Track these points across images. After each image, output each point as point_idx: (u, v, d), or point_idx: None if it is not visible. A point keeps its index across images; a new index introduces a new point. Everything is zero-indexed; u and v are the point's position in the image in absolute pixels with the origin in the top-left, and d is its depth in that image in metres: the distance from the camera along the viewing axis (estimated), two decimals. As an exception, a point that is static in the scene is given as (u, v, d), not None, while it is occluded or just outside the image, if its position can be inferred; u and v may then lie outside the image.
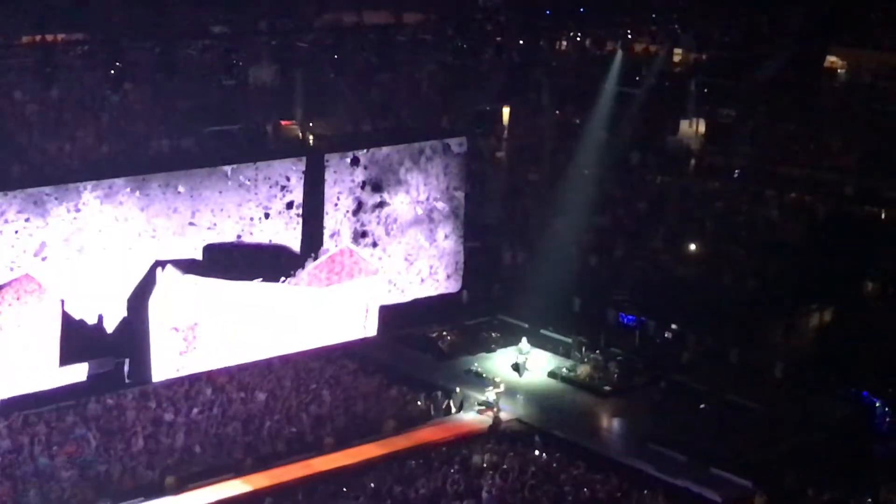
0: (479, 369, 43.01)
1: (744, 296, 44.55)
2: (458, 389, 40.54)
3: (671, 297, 44.92)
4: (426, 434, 38.47)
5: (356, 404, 39.50)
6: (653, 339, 44.74)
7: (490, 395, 39.67)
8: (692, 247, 47.10)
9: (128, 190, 37.39)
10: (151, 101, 46.62)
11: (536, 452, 36.91)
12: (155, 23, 47.84)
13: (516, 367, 42.70)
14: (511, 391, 41.15)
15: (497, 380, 40.31)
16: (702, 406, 39.90)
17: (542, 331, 45.19)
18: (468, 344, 45.24)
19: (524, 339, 43.35)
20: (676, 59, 50.38)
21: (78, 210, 36.65)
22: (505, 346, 45.03)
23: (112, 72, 43.90)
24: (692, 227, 46.99)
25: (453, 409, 39.84)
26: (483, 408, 39.62)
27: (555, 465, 36.09)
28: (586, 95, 48.04)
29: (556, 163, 48.57)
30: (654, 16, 47.46)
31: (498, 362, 43.94)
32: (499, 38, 47.77)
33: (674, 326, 44.43)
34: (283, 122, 50.49)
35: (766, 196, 46.40)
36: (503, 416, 39.25)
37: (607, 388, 42.00)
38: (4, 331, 34.81)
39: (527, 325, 45.54)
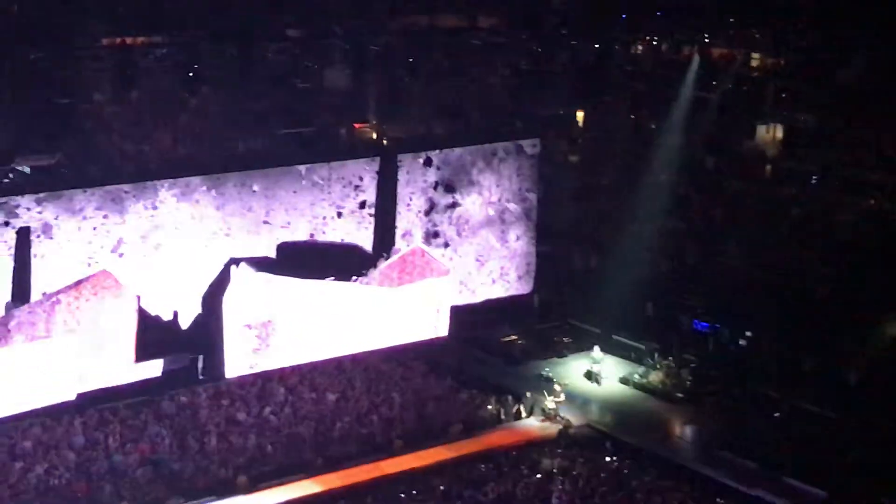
0: (550, 374, 42.85)
1: (819, 303, 43.91)
2: (528, 394, 40.45)
3: (746, 304, 44.36)
4: (496, 438, 38.40)
5: (426, 407, 39.51)
6: (726, 346, 44.27)
7: (549, 403, 39.46)
8: (767, 253, 46.54)
9: (204, 188, 37.90)
10: (227, 104, 47.02)
11: (607, 458, 36.72)
12: (231, 26, 48.21)
13: (590, 376, 42.45)
14: (581, 396, 41.02)
15: (557, 388, 40.02)
16: (776, 414, 39.44)
17: (614, 336, 44.89)
18: (539, 348, 45.12)
19: (597, 348, 43.10)
20: (754, 63, 49.82)
21: (155, 207, 37.19)
22: (576, 351, 44.87)
23: (189, 74, 44.42)
24: (768, 232, 46.39)
25: (523, 414, 39.72)
26: (543, 417, 39.43)
27: (626, 471, 35.87)
28: (662, 99, 47.64)
29: (631, 167, 48.21)
30: (731, 20, 47.06)
31: (569, 367, 43.76)
32: (573, 42, 47.70)
33: (748, 333, 43.93)
34: (356, 125, 50.69)
35: (843, 202, 45.66)
36: (571, 420, 39.06)
37: (680, 394, 41.68)
38: (82, 326, 35.31)
39: (598, 331, 45.33)
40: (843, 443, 37.22)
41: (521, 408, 39.79)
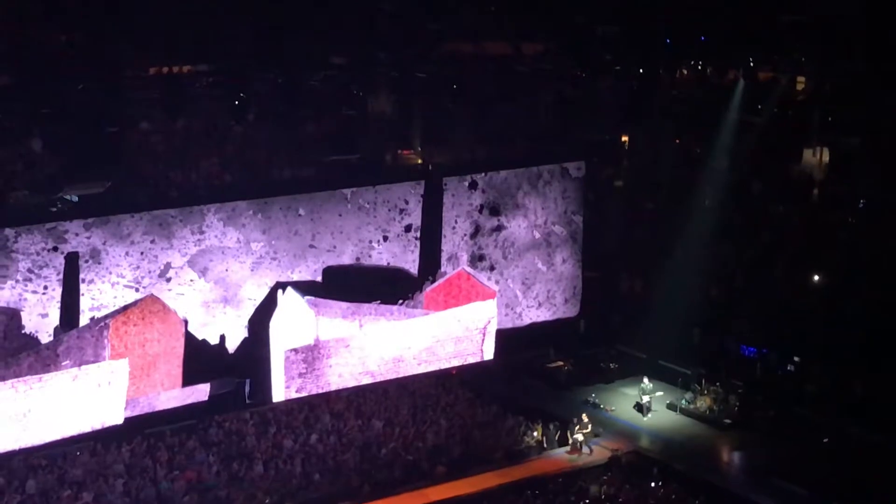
0: (597, 400, 42.62)
1: (867, 328, 43.47)
2: (574, 420, 40.19)
3: (793, 329, 44.01)
4: (542, 464, 38.21)
5: (472, 433, 39.38)
6: (774, 371, 43.87)
7: (577, 434, 39.08)
8: (815, 277, 46.18)
9: (250, 212, 38.15)
10: (273, 131, 47.35)
11: (654, 485, 36.42)
12: (277, 54, 48.57)
13: (640, 408, 42.09)
14: (628, 423, 40.77)
15: (585, 420, 39.60)
16: (825, 440, 38.99)
17: (661, 361, 44.60)
18: (585, 374, 44.89)
19: (646, 379, 42.61)
20: (799, 86, 49.59)
21: (202, 232, 37.45)
22: (623, 376, 44.59)
23: (236, 102, 44.74)
24: (815, 257, 46.06)
25: (570, 440, 39.47)
26: (570, 448, 39.04)
27: (673, 497, 35.54)
28: (707, 124, 47.50)
29: (676, 191, 48.06)
30: (776, 43, 46.83)
31: (616, 393, 43.50)
32: (618, 67, 47.63)
33: (796, 358, 43.54)
34: (401, 151, 50.87)
35: (891, 226, 45.24)
36: (619, 447, 38.83)
37: (727, 420, 41.31)
38: (130, 351, 35.52)
39: (645, 356, 45.05)
40: (894, 468, 36.78)
41: (568, 434, 39.55)
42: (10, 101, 43.70)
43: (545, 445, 39.29)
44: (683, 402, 42.40)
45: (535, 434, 39.57)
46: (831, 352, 42.63)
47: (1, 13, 43.26)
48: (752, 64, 47.04)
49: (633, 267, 48.79)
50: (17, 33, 43.55)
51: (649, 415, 41.73)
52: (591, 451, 38.77)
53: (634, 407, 42.11)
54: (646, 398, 42.07)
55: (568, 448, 39.00)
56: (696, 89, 49.47)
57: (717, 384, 42.90)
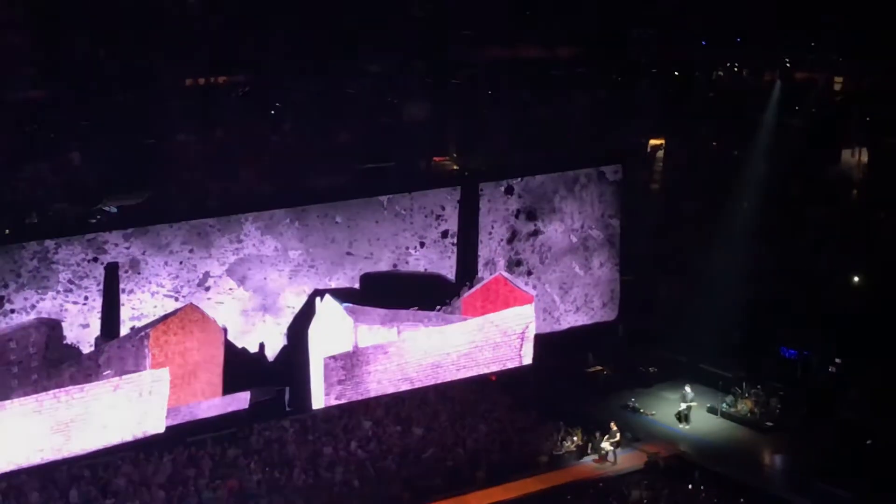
0: (636, 404, 42.45)
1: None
2: (613, 425, 40.05)
3: (834, 330, 43.70)
4: (582, 470, 38.09)
5: (511, 439, 39.34)
6: (816, 373, 43.56)
7: (605, 444, 38.81)
8: (855, 279, 45.87)
9: (287, 221, 38.26)
10: (309, 139, 47.57)
11: (693, 487, 36.21)
12: (313, 63, 48.80)
13: (680, 417, 41.70)
14: (668, 426, 40.61)
15: (613, 428, 39.32)
16: (867, 442, 38.66)
17: (701, 365, 44.34)
18: (624, 378, 44.71)
19: (687, 387, 42.09)
20: (836, 86, 49.34)
21: (240, 241, 37.59)
22: (662, 380, 44.38)
23: (272, 111, 44.89)
24: (855, 258, 45.77)
25: (610, 445, 39.31)
26: (597, 457, 38.76)
27: (715, 501, 35.35)
28: (744, 126, 47.33)
29: (714, 194, 47.88)
30: (812, 44, 46.68)
31: (655, 397, 43.31)
32: (654, 70, 47.59)
33: (837, 360, 43.21)
34: (436, 158, 50.98)
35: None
36: (659, 451, 38.63)
37: (769, 423, 41.06)
38: (170, 360, 35.69)
39: (685, 359, 44.80)
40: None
41: (595, 442, 39.37)
42: (49, 115, 44.17)
43: (589, 451, 39.12)
44: (724, 405, 42.16)
45: (575, 439, 39.45)
46: (873, 353, 42.33)
47: (37, 27, 43.70)
48: (788, 64, 46.93)
49: (672, 270, 48.60)
50: (53, 47, 43.98)
51: (689, 424, 41.42)
52: (616, 460, 38.50)
53: (676, 416, 41.77)
54: (684, 406, 41.61)
55: (595, 456, 38.81)
56: (733, 91, 49.37)
57: (758, 387, 42.65)
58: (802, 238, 47.58)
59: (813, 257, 46.81)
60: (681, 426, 41.21)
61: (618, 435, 39.07)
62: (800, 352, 44.34)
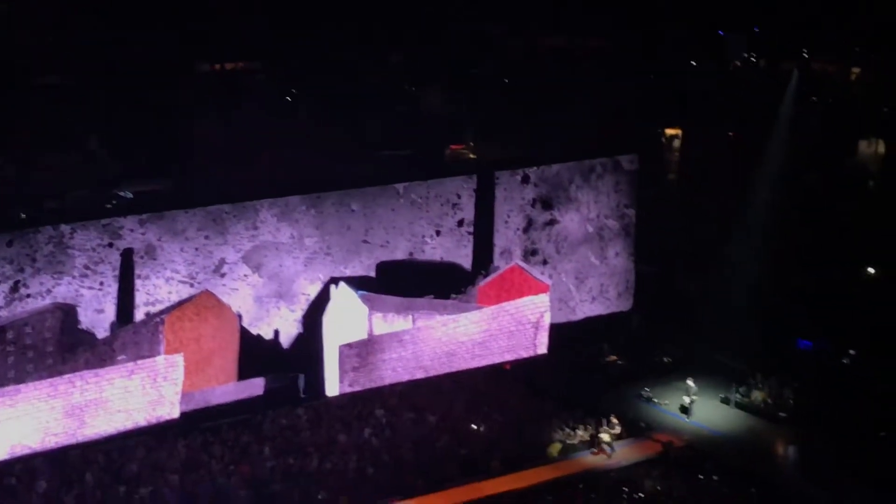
0: (650, 394, 42.40)
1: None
2: (628, 414, 40.01)
3: (849, 322, 43.59)
4: (596, 459, 38.07)
5: (526, 428, 39.28)
6: (830, 365, 43.45)
7: (604, 436, 38.53)
8: (871, 270, 45.73)
9: (303, 208, 38.35)
10: (326, 128, 47.63)
11: (705, 477, 36.13)
12: (331, 51, 48.87)
13: (684, 409, 41.46)
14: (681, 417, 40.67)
15: (613, 421, 39.17)
16: (881, 433, 38.57)
17: (716, 355, 44.28)
18: (639, 368, 44.64)
19: (690, 380, 41.74)
20: (853, 77, 49.14)
21: (255, 228, 37.69)
22: (676, 370, 44.29)
23: (288, 99, 44.90)
24: (871, 250, 45.63)
25: (624, 434, 39.23)
26: (596, 449, 38.49)
27: (726, 490, 35.31)
28: (762, 116, 47.16)
29: (730, 184, 47.76)
30: (829, 34, 46.46)
31: (669, 387, 43.23)
32: (671, 60, 47.46)
33: (852, 351, 43.11)
34: (452, 147, 51.01)
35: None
36: (672, 441, 38.60)
37: (782, 414, 40.97)
38: (185, 346, 35.75)
39: (700, 349, 44.66)
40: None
41: (622, 428, 39.39)
42: (66, 101, 44.32)
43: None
44: (738, 395, 42.10)
45: (589, 427, 39.40)
46: (888, 345, 42.21)
47: (54, 13, 43.85)
48: (806, 55, 46.75)
49: (688, 260, 48.51)
50: (70, 33, 44.11)
51: (691, 416, 41.23)
52: (615, 452, 38.20)
53: (679, 408, 41.53)
54: (688, 399, 41.28)
55: (594, 449, 38.60)
56: (751, 81, 49.20)
57: (772, 378, 42.56)
58: (819, 229, 47.44)
59: (829, 249, 46.67)
60: (686, 419, 41.02)
61: (617, 427, 38.90)
62: (815, 343, 44.30)
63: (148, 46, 45.47)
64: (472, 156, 47.92)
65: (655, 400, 42.13)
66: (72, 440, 34.17)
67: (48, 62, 44.89)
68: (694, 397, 41.13)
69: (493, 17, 49.95)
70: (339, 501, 34.36)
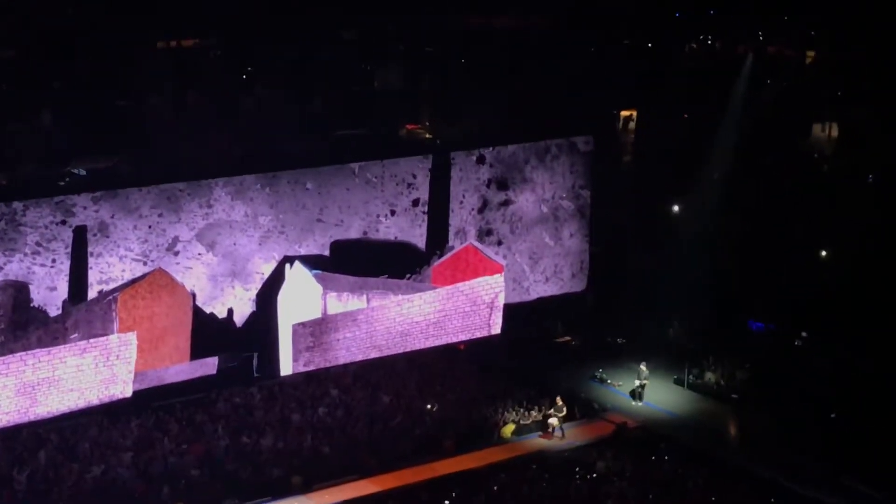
0: (604, 375, 42.59)
1: (880, 305, 43.37)
2: (581, 395, 40.19)
3: (803, 304, 43.97)
4: (548, 439, 38.24)
5: (480, 407, 39.38)
6: (782, 347, 43.81)
7: (552, 419, 38.57)
8: (823, 252, 46.10)
9: (258, 186, 38.23)
10: (281, 105, 47.44)
11: (657, 458, 36.40)
12: (286, 27, 48.57)
13: (633, 394, 41.48)
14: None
15: (559, 403, 38.99)
16: (831, 415, 39.00)
17: (669, 336, 44.56)
18: (593, 348, 44.82)
19: (642, 365, 41.56)
20: (808, 60, 49.43)
21: (210, 206, 37.52)
22: (630, 351, 44.54)
23: (244, 76, 44.61)
24: (824, 232, 45.99)
25: (577, 415, 39.40)
26: (542, 433, 38.54)
27: (679, 471, 35.58)
28: (716, 98, 47.38)
29: (685, 166, 47.96)
30: (785, 17, 46.69)
31: (623, 368, 43.46)
32: (626, 42, 47.55)
33: (804, 334, 43.51)
34: (408, 126, 50.93)
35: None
36: (626, 422, 38.84)
37: (734, 395, 41.29)
38: (138, 324, 35.60)
39: (652, 330, 44.92)
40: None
41: (576, 409, 39.56)
42: (19, 75, 43.83)
43: (577, 415, 39.07)
44: (691, 376, 42.38)
45: (542, 408, 39.55)
46: (840, 327, 42.60)
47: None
48: (761, 38, 46.95)
49: (641, 241, 48.72)
50: (24, 6, 43.60)
51: (641, 402, 41.34)
52: (564, 434, 38.35)
53: (630, 393, 41.45)
54: (638, 384, 41.25)
55: (540, 432, 38.59)
56: (706, 63, 49.38)
57: (725, 359, 42.88)
58: (772, 211, 47.72)
59: (782, 230, 46.97)
60: (633, 403, 41.14)
61: (564, 409, 38.85)
62: (767, 325, 44.65)
63: (102, 22, 45.05)
64: (427, 136, 47.85)
65: (609, 381, 42.34)
66: (24, 419, 33.94)
67: (1, 36, 44.42)
68: (645, 381, 41.27)
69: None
70: (292, 480, 34.34)
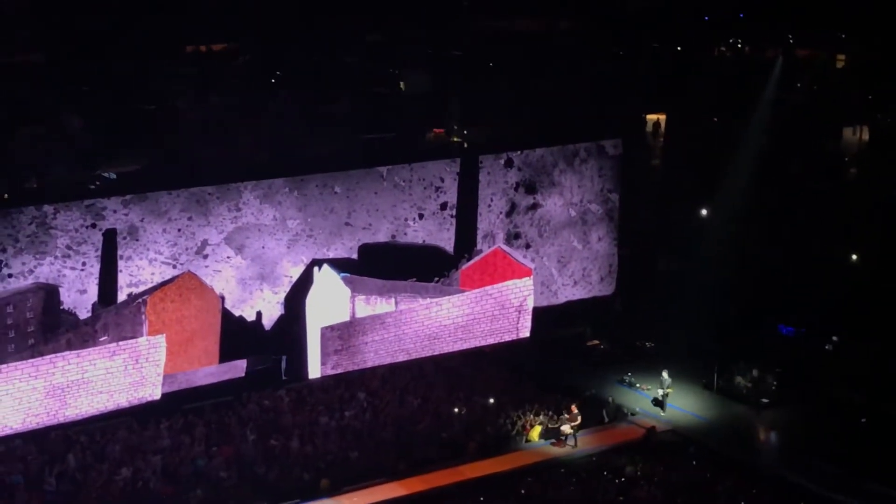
0: (632, 379, 42.43)
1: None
2: (611, 399, 40.07)
3: (832, 308, 43.71)
4: (561, 447, 38.03)
5: (507, 410, 39.29)
6: (812, 351, 43.56)
7: (565, 427, 38.12)
8: (853, 256, 45.86)
9: (286, 190, 38.30)
10: (309, 109, 47.57)
11: (689, 462, 36.23)
12: (313, 32, 48.73)
13: (657, 403, 40.97)
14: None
15: (574, 411, 38.51)
16: (862, 419, 38.74)
17: (699, 340, 44.34)
18: (621, 352, 44.68)
19: (665, 373, 40.99)
20: (839, 64, 49.19)
21: (238, 209, 37.61)
22: (659, 354, 44.34)
23: (272, 80, 44.72)
24: (854, 236, 45.74)
25: (605, 419, 39.28)
26: (554, 440, 38.12)
27: (708, 475, 35.42)
28: (745, 102, 47.18)
29: (714, 170, 47.80)
30: (815, 20, 46.49)
31: (652, 371, 43.28)
32: (655, 45, 47.45)
33: (834, 338, 43.25)
34: (436, 130, 50.97)
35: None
36: (655, 426, 38.68)
37: (764, 400, 41.06)
38: (167, 327, 35.74)
39: (681, 334, 44.67)
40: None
41: (605, 413, 39.39)
42: (49, 80, 44.11)
43: (606, 419, 38.95)
44: (720, 381, 42.17)
45: (564, 416, 39.33)
46: (870, 331, 42.34)
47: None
48: (791, 41, 46.76)
49: (670, 245, 48.58)
50: (54, 10, 43.88)
51: (664, 411, 40.58)
52: (576, 443, 37.91)
53: (653, 402, 40.95)
54: (661, 392, 40.71)
55: (553, 441, 38.13)
56: (735, 67, 49.21)
57: (755, 364, 42.65)
58: (801, 215, 47.52)
59: (811, 234, 46.76)
60: (661, 413, 40.54)
61: (579, 418, 38.34)
62: (797, 329, 44.39)
63: (132, 27, 45.30)
64: (455, 139, 47.85)
65: (637, 385, 42.18)
66: (53, 421, 34.12)
67: (29, 38, 44.69)
68: (668, 390, 40.93)
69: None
70: (320, 483, 34.32)
